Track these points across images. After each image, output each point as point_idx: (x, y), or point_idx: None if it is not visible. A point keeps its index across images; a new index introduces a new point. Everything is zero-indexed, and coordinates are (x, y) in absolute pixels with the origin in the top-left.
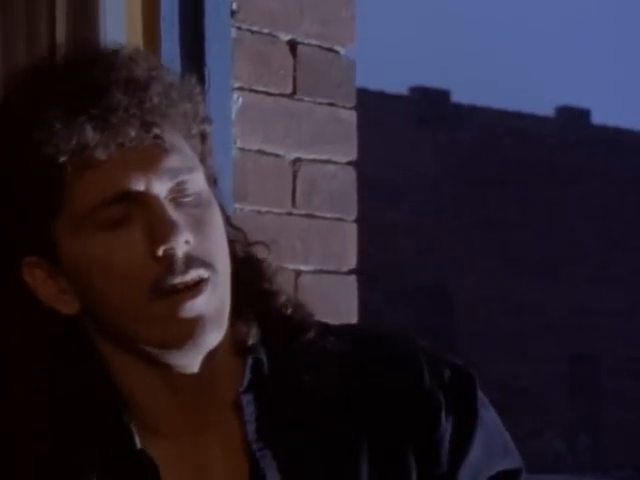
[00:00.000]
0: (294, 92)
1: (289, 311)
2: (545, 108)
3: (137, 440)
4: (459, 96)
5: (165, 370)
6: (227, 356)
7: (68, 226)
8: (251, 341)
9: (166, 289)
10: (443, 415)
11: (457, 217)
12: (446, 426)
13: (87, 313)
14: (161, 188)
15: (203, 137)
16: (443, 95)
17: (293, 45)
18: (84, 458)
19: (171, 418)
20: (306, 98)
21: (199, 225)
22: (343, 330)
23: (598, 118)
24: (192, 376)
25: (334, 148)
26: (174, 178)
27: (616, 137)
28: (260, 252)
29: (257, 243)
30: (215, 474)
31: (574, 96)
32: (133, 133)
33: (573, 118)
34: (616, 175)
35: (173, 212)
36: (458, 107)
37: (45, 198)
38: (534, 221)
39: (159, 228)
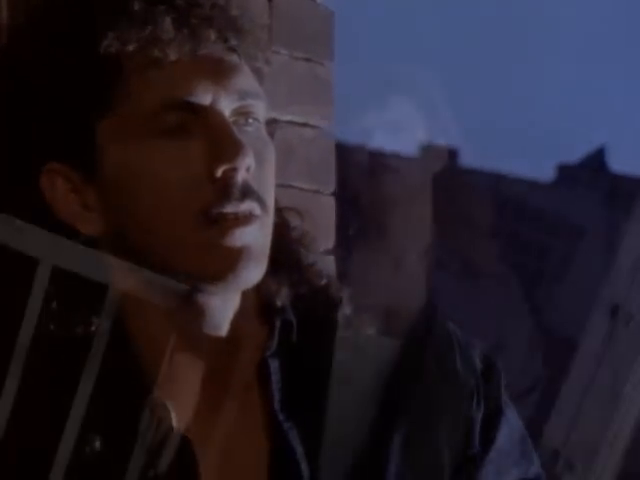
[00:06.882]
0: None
1: (323, 282)
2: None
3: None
4: None
5: (192, 324)
6: (252, 316)
7: (117, 129)
8: (281, 302)
9: (216, 215)
10: (475, 401)
11: None
12: (477, 412)
13: (113, 236)
14: (227, 105)
15: (260, 76)
16: None
17: None
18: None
19: (193, 388)
20: (282, 51)
21: (259, 158)
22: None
23: (466, 159)
24: (218, 340)
25: (312, 110)
26: (241, 99)
27: (484, 181)
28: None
29: (289, 209)
30: (240, 447)
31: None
32: (213, 37)
33: (438, 158)
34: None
35: (238, 133)
36: None
37: (97, 93)
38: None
39: (224, 145)
